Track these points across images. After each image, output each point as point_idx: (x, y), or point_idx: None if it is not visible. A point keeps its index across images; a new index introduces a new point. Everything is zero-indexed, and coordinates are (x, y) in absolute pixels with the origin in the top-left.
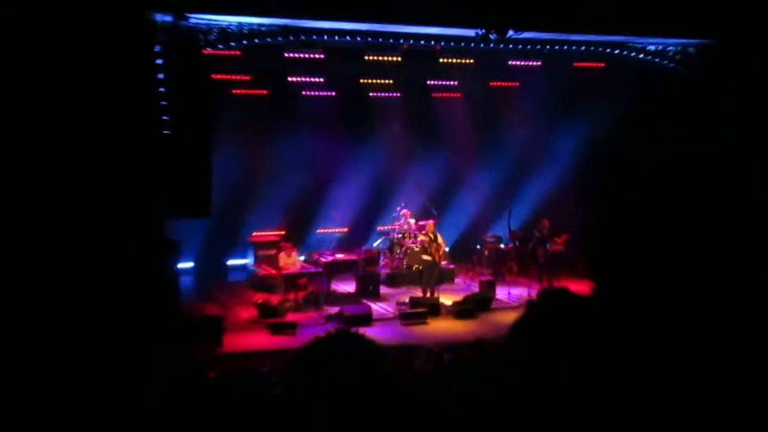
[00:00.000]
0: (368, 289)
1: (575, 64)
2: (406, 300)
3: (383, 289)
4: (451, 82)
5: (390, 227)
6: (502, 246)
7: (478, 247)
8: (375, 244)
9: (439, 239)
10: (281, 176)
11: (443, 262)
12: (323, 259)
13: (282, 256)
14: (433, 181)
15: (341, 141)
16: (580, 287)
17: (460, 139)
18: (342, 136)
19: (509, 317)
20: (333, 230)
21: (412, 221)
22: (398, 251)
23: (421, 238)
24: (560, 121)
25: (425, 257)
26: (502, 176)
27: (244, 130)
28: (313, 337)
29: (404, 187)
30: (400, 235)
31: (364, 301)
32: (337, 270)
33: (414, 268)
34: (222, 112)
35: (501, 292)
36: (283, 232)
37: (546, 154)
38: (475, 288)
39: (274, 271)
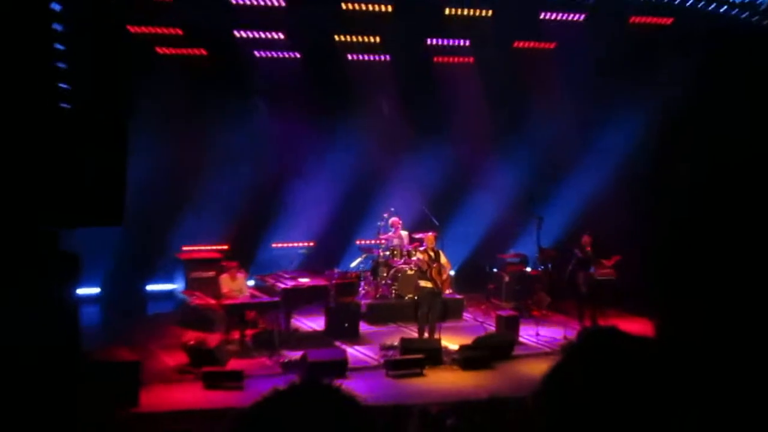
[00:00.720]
0: (343, 326)
1: (632, 19)
2: (395, 343)
3: (364, 327)
4: (460, 43)
5: (374, 242)
6: (528, 269)
7: (496, 270)
8: (353, 265)
9: (442, 259)
10: (224, 170)
11: (447, 291)
12: (281, 285)
13: (224, 279)
14: (434, 179)
15: (307, 122)
16: (635, 327)
17: (470, 121)
18: (308, 116)
19: (537, 368)
20: (295, 245)
21: (404, 234)
22: (385, 275)
23: (417, 256)
24: (609, 98)
25: (422, 283)
26: (528, 174)
27: (174, 106)
28: (267, 391)
29: (394, 188)
30: (387, 253)
31: (337, 343)
32: (299, 300)
33: (407, 299)
34: (143, 79)
35: (526, 333)
36: (225, 247)
37: (589, 144)
38: (491, 327)
39: (212, 301)
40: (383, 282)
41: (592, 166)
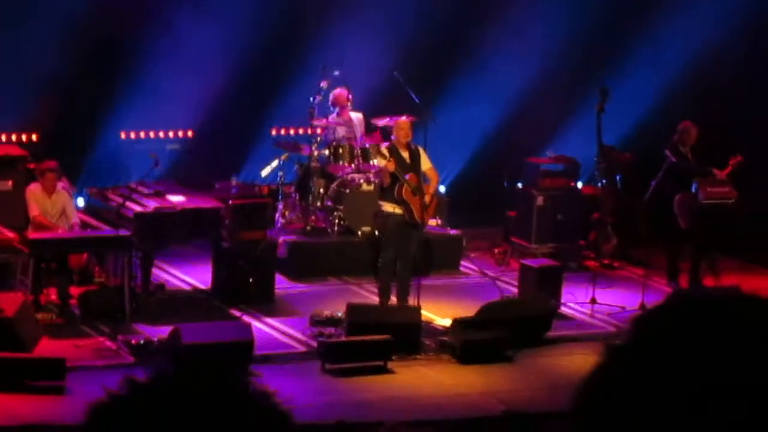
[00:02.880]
0: (245, 282)
1: None
2: (339, 313)
3: (282, 284)
4: None
5: (303, 131)
6: (579, 185)
7: (521, 186)
8: (264, 173)
9: (425, 164)
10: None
11: (433, 221)
12: (134, 207)
13: (33, 194)
14: (412, 15)
15: None
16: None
17: None
18: None
19: (589, 362)
20: (159, 135)
21: (356, 117)
22: (322, 191)
23: (379, 160)
24: None
25: (388, 208)
26: (582, 14)
27: None
28: (109, 393)
29: (337, 29)
30: (326, 153)
31: (234, 312)
32: (167, 234)
33: (360, 234)
34: None
35: (574, 299)
36: (32, 138)
37: None
38: (511, 288)
39: (8, 233)
40: (318, 204)
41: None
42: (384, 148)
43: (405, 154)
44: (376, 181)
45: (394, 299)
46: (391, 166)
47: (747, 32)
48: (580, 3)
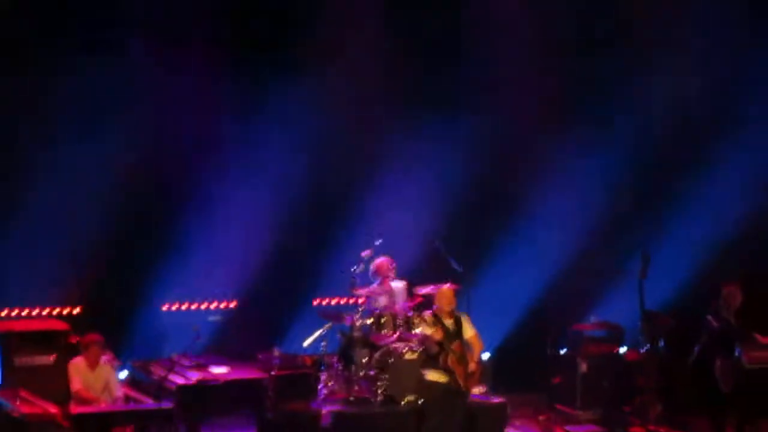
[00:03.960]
0: None
1: None
2: None
3: None
4: None
5: (345, 301)
6: (623, 351)
7: (565, 352)
8: (307, 343)
9: (468, 331)
10: (67, 172)
11: (476, 390)
12: (178, 380)
13: (77, 368)
14: (452, 188)
15: (219, 81)
16: None
17: (518, 85)
18: (222, 69)
19: None
20: (202, 307)
21: (399, 286)
22: (365, 361)
23: (422, 329)
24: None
25: (432, 377)
26: (620, 179)
27: None
28: None
29: (380, 202)
30: (369, 322)
31: None
32: (211, 406)
33: (404, 404)
34: None
35: None
36: (76, 311)
37: (731, 125)
38: None
39: (52, 408)
40: (361, 374)
41: (737, 164)
42: (428, 316)
43: (448, 322)
44: (420, 349)
45: None
46: (439, 335)
47: None
48: (617, 167)
